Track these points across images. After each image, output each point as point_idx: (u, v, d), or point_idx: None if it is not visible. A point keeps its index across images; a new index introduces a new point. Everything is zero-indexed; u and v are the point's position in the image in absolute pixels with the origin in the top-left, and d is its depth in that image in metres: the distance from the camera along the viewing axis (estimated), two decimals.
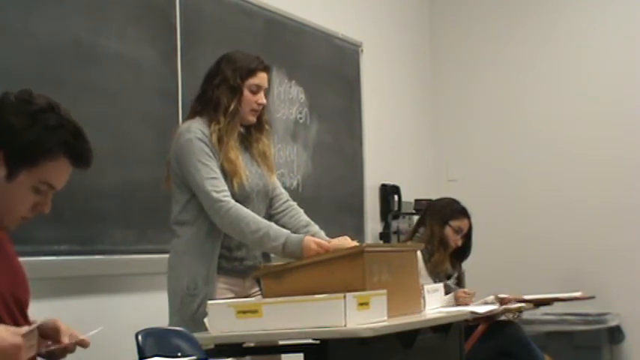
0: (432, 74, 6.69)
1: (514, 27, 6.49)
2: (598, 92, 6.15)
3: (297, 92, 4.91)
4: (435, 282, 4.49)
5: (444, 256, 4.56)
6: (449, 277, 4.63)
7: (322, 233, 3.30)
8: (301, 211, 3.41)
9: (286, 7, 4.81)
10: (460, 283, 4.70)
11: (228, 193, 3.11)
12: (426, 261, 4.51)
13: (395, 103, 6.18)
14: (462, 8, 6.66)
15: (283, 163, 4.68)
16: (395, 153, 6.09)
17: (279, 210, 3.38)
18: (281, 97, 4.75)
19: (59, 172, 1.93)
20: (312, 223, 3.37)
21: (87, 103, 3.34)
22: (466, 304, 4.23)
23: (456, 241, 4.62)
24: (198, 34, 4.08)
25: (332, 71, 5.31)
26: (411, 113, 6.43)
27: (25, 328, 1.79)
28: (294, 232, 3.18)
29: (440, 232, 4.57)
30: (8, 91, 1.93)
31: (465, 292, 4.39)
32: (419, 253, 4.47)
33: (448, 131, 6.62)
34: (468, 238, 4.68)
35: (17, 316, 1.98)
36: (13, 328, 1.79)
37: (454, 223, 4.61)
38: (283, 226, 3.23)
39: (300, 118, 4.95)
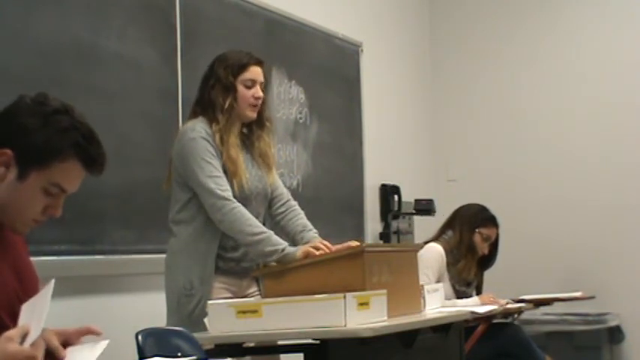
0: (432, 74, 6.68)
1: (514, 27, 6.48)
2: (598, 92, 6.15)
3: (297, 92, 4.91)
4: (455, 288, 4.51)
5: (472, 263, 4.56)
6: (468, 285, 4.63)
7: (317, 239, 3.22)
8: (301, 213, 3.38)
9: (286, 7, 4.81)
10: (479, 291, 4.69)
11: (231, 193, 3.11)
12: (450, 265, 4.51)
13: (395, 103, 6.17)
14: (462, 8, 6.66)
15: (283, 163, 4.68)
16: (395, 153, 6.09)
17: (278, 211, 3.36)
18: (281, 97, 4.75)
19: (70, 175, 1.93)
20: (309, 228, 3.32)
21: (87, 103, 3.33)
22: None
23: (483, 249, 4.62)
24: (198, 34, 4.07)
25: (332, 71, 5.30)
26: (411, 113, 6.42)
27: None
28: (290, 236, 3.23)
29: (469, 239, 4.58)
30: (24, 93, 1.95)
31: (492, 297, 4.44)
32: (444, 257, 4.50)
33: (448, 131, 6.62)
34: (494, 247, 4.69)
35: None
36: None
37: (484, 231, 4.61)
38: (282, 229, 3.25)
39: (300, 118, 4.95)
